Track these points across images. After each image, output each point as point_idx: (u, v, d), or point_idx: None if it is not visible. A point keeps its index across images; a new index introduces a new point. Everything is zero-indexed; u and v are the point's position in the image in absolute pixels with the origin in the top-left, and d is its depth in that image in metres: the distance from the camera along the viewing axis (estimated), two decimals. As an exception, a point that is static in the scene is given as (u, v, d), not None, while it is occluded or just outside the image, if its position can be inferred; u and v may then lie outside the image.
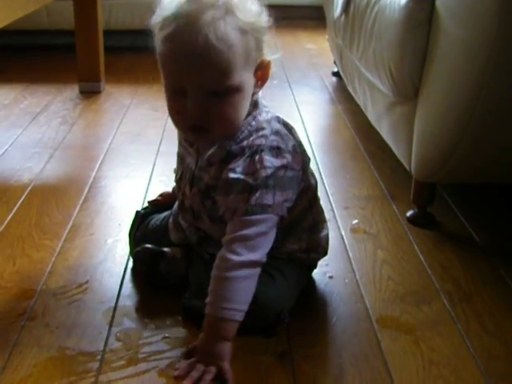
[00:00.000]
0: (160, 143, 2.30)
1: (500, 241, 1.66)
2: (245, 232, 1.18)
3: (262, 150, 1.19)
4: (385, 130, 1.89)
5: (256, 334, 1.25)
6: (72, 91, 2.96)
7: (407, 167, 1.70)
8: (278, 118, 1.27)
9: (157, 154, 2.19)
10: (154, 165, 2.10)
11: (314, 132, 2.45)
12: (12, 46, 3.77)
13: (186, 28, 1.10)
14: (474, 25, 1.40)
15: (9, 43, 3.73)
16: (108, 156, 2.19)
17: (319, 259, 1.43)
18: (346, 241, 1.63)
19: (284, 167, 1.20)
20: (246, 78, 1.17)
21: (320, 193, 1.40)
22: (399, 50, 1.58)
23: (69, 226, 1.68)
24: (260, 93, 1.26)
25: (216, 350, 1.16)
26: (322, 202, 1.41)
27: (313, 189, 1.35)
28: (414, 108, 1.61)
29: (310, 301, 1.39)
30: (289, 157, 1.22)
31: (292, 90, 3.02)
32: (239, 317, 1.16)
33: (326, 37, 3.54)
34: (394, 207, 1.81)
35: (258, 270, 1.19)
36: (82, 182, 1.97)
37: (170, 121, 2.52)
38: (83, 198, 1.85)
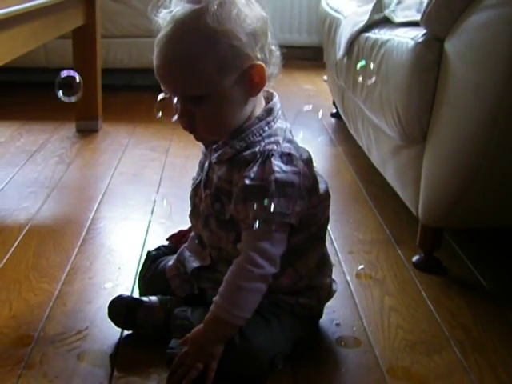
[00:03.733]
0: (159, 184, 2.26)
1: (508, 286, 1.63)
2: (265, 245, 1.21)
3: (272, 155, 1.21)
4: (390, 174, 1.87)
5: (248, 380, 1.22)
6: (69, 130, 2.93)
7: (414, 211, 1.67)
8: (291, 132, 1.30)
9: (156, 196, 2.16)
10: (154, 206, 2.06)
11: (315, 174, 2.42)
12: (9, 83, 3.75)
13: (163, 46, 1.20)
14: (484, 67, 1.38)
15: (5, 80, 3.71)
16: (106, 196, 2.15)
17: (310, 307, 1.36)
18: (351, 287, 1.59)
19: (296, 173, 1.21)
20: (225, 84, 1.20)
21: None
22: (407, 93, 1.56)
23: (67, 269, 1.64)
24: (278, 102, 1.31)
25: (210, 349, 1.20)
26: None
27: (323, 219, 1.35)
28: (421, 151, 1.58)
29: (318, 350, 1.35)
30: (301, 164, 1.23)
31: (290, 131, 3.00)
32: (242, 323, 1.21)
33: (324, 77, 3.54)
34: (399, 252, 1.78)
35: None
36: (80, 223, 1.93)
37: (168, 162, 2.50)
38: (81, 239, 1.81)
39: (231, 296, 1.20)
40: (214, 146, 1.28)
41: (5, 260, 1.68)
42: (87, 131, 2.90)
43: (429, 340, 1.39)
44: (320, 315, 1.42)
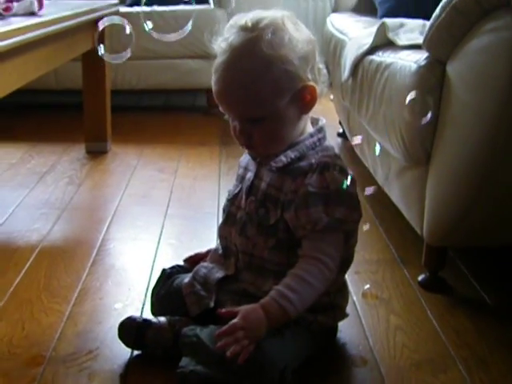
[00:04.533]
0: (168, 205, 2.29)
1: (513, 305, 1.65)
2: (331, 250, 1.30)
3: (329, 167, 1.30)
4: (395, 194, 1.89)
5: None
6: (79, 151, 2.97)
7: (418, 231, 1.69)
8: None
9: (165, 217, 2.18)
10: (163, 227, 2.09)
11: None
12: (19, 106, 3.80)
13: (222, 73, 1.29)
14: (484, 89, 1.41)
15: (16, 102, 3.75)
16: (115, 218, 2.18)
17: (326, 325, 1.40)
18: (358, 306, 1.61)
19: (351, 185, 1.30)
20: (280, 105, 1.29)
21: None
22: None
23: (77, 290, 1.67)
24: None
25: (260, 332, 1.24)
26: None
27: (354, 241, 1.42)
28: (425, 172, 1.61)
29: (324, 368, 1.37)
30: (351, 178, 1.31)
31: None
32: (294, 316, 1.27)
33: (331, 97, 3.56)
34: (405, 271, 1.80)
35: None
36: (90, 244, 1.96)
37: (176, 183, 2.51)
38: (92, 260, 1.84)
39: (301, 292, 1.27)
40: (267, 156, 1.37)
41: (17, 281, 1.71)
42: (97, 152, 2.93)
43: (434, 359, 1.40)
44: (334, 335, 1.45)
